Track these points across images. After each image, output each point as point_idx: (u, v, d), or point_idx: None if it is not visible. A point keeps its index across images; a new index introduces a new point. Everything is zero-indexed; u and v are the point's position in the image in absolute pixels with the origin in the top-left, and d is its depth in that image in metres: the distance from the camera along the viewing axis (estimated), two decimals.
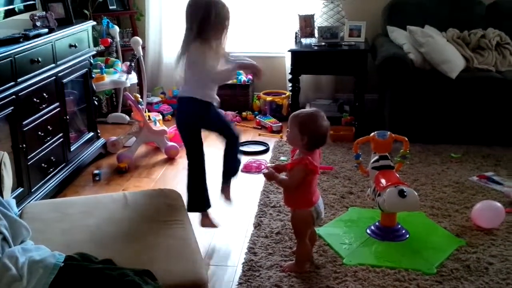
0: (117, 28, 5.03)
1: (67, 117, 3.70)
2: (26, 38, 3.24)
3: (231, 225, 3.22)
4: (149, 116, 4.42)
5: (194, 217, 3.23)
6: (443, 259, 2.75)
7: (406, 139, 3.03)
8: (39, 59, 3.28)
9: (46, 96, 3.38)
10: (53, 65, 3.49)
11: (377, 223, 3.00)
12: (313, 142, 2.51)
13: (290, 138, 2.58)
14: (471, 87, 4.19)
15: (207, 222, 3.05)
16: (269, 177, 2.59)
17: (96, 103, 4.27)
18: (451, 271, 2.65)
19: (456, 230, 3.04)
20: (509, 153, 4.10)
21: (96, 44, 4.76)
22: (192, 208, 2.95)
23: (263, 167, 3.99)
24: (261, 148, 4.41)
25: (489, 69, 4.33)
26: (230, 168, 3.16)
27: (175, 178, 3.89)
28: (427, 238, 2.96)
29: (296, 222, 2.65)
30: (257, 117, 5.07)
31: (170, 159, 4.20)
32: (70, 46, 3.73)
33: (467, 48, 4.44)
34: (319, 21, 4.84)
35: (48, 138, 3.44)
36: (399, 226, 2.98)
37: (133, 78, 4.91)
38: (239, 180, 3.81)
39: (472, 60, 4.36)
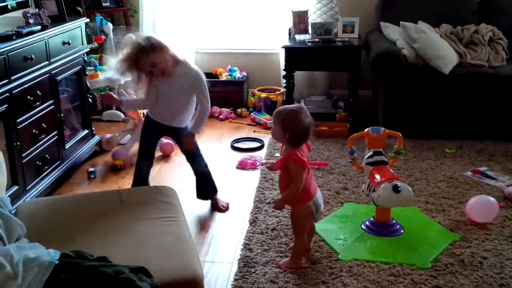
0: (110, 25, 5.01)
1: (61, 114, 3.68)
2: (19, 35, 3.22)
3: (227, 222, 3.23)
4: (143, 113, 4.41)
5: (190, 214, 3.24)
6: (438, 254, 2.77)
7: (400, 134, 3.04)
8: (33, 56, 3.27)
9: (40, 94, 3.37)
10: (46, 62, 3.47)
11: (371, 219, 3.01)
12: (295, 138, 2.52)
13: (274, 134, 2.60)
14: (464, 82, 4.20)
15: None
16: (278, 207, 2.64)
17: (90, 100, 4.25)
18: (445, 266, 2.66)
19: (450, 225, 3.06)
20: (503, 147, 4.12)
21: (89, 41, 4.74)
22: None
23: (258, 163, 3.99)
24: (256, 144, 4.41)
25: (482, 65, 4.34)
26: None
27: (170, 175, 3.89)
28: (421, 233, 2.97)
29: (295, 218, 2.65)
30: (251, 113, 5.08)
31: (165, 157, 4.19)
32: (64, 43, 3.72)
33: (460, 43, 4.45)
34: (313, 17, 4.84)
35: (43, 136, 3.43)
36: (394, 221, 2.99)
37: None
38: (235, 177, 3.82)
39: (465, 56, 4.37)
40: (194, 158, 3.30)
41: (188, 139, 3.18)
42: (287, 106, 2.66)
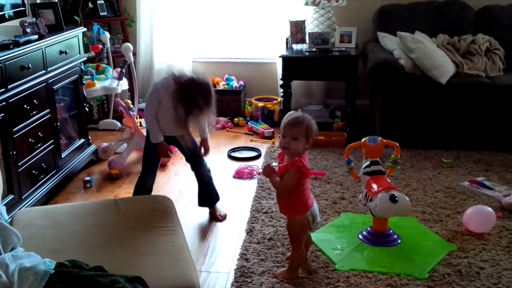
0: (108, 34, 5.02)
1: (58, 123, 3.68)
2: (16, 44, 3.23)
3: (223, 231, 3.22)
4: (140, 122, 4.41)
5: (186, 223, 3.23)
6: (435, 264, 2.76)
7: (397, 144, 3.03)
8: (30, 65, 3.27)
9: (37, 103, 3.36)
10: (43, 71, 3.47)
11: (369, 229, 3.00)
12: (311, 144, 2.55)
13: (295, 148, 2.48)
14: (461, 92, 4.21)
15: None
16: (268, 172, 2.56)
17: (87, 109, 4.25)
18: (442, 276, 2.66)
19: (448, 235, 3.05)
20: (500, 157, 4.13)
21: (86, 50, 4.75)
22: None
23: (255, 173, 3.98)
24: (253, 154, 4.41)
25: (479, 75, 4.35)
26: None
27: (167, 184, 3.88)
28: (418, 243, 2.96)
29: (292, 229, 2.63)
30: (248, 123, 5.08)
31: (162, 166, 4.17)
32: (61, 52, 3.72)
33: (457, 53, 4.47)
34: (310, 27, 4.86)
35: (39, 145, 3.42)
36: (391, 231, 2.98)
37: (124, 84, 4.91)
38: (231, 186, 3.82)
39: (462, 66, 4.38)
40: (199, 164, 3.29)
41: (205, 145, 3.23)
42: (298, 116, 2.55)
